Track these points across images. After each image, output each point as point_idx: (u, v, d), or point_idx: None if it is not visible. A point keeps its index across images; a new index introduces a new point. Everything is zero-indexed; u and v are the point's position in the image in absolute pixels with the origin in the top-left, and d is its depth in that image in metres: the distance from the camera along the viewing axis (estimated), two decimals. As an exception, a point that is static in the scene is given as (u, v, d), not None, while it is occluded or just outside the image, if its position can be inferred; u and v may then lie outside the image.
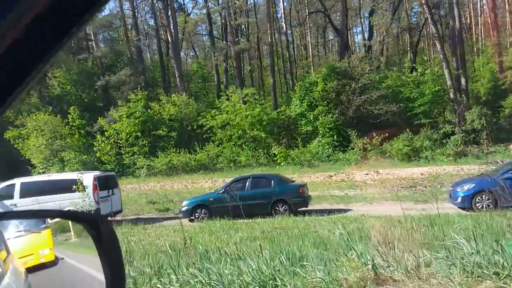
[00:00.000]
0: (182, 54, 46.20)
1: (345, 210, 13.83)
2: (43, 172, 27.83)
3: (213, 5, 39.57)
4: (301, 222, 11.62)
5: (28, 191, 14.31)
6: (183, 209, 14.39)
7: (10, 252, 2.15)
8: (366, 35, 48.28)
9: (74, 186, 13.28)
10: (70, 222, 2.03)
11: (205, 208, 13.98)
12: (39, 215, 2.36)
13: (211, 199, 14.16)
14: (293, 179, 15.85)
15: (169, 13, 34.77)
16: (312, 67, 45.18)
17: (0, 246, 2.05)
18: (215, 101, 32.24)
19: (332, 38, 55.29)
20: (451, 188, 12.91)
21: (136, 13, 39.27)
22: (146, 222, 14.07)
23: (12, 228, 2.22)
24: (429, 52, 49.07)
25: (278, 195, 13.59)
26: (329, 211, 13.68)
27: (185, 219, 14.15)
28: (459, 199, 12.18)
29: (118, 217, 15.37)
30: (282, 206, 13.55)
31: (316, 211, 13.63)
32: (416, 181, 18.83)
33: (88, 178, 13.98)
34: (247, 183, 14.15)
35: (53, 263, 2.35)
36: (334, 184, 20.32)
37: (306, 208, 13.96)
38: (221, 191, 14.24)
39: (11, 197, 14.32)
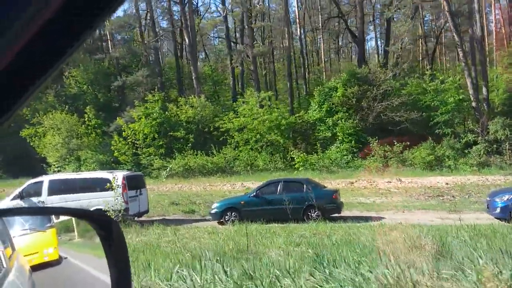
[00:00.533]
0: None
1: (379, 218, 13.59)
2: (59, 171, 27.74)
3: (230, 9, 39.53)
4: (339, 229, 11.42)
5: (56, 188, 14.22)
6: (213, 211, 14.16)
7: (15, 249, 2.18)
8: (379, 42, 48.30)
9: (108, 184, 13.16)
10: (74, 222, 2.08)
11: (235, 211, 13.77)
12: (50, 212, 2.42)
13: (242, 202, 13.97)
14: (324, 185, 15.64)
15: (187, 15, 34.75)
16: (324, 73, 45.11)
17: (6, 243, 2.07)
18: (227, 103, 32.08)
19: (345, 44, 55.24)
20: (488, 198, 12.67)
21: (153, 15, 39.26)
22: (175, 224, 13.88)
23: (18, 226, 2.26)
24: (440, 60, 48.95)
25: (311, 200, 13.37)
26: (362, 218, 13.50)
27: (215, 221, 14.02)
28: (498, 210, 11.94)
29: (143, 218, 15.23)
30: (315, 211, 13.34)
31: (349, 218, 13.42)
32: (442, 191, 18.60)
33: (117, 177, 13.85)
34: (278, 187, 13.96)
35: (57, 262, 2.37)
36: (357, 191, 20.10)
37: (338, 215, 13.76)
38: (252, 195, 14.07)
39: (38, 194, 14.24)
